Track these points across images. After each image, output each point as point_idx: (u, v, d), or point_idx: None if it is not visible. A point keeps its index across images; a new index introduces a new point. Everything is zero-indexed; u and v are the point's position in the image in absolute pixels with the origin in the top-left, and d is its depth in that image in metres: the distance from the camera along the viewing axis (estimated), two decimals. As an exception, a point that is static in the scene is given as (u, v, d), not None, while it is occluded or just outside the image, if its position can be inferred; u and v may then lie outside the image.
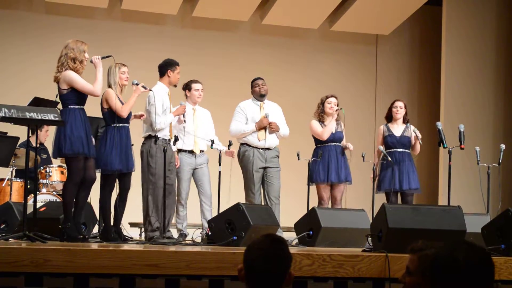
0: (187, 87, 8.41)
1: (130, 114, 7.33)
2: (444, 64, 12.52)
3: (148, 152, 7.46)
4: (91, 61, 6.84)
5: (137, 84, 7.24)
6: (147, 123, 7.56)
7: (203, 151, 8.30)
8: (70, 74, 6.69)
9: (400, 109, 8.69)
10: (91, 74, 6.91)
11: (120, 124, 7.19)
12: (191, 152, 8.18)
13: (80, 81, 6.71)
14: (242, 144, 8.42)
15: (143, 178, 7.46)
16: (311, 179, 8.50)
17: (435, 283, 2.74)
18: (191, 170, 8.17)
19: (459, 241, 2.78)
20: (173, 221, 8.13)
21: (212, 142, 8.10)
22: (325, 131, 8.55)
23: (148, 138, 7.51)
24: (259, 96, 8.47)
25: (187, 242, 7.54)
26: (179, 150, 8.18)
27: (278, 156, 8.46)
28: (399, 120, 8.71)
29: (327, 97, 8.72)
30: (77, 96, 6.73)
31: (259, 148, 8.34)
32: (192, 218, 8.44)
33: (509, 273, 5.48)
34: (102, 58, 6.89)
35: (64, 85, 6.72)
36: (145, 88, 7.25)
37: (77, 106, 6.74)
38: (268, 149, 8.39)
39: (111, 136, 7.15)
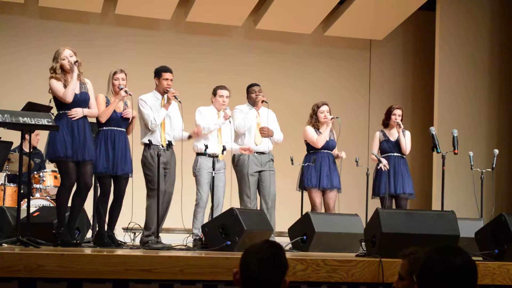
0: (213, 92, 8.31)
1: (122, 118, 7.32)
2: (437, 69, 12.55)
3: (143, 161, 7.57)
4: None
5: (121, 89, 7.23)
6: (141, 130, 7.63)
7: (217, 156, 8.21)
8: (50, 83, 6.77)
9: (398, 117, 8.73)
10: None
11: (107, 128, 7.20)
12: (211, 156, 8.03)
13: (54, 89, 6.74)
14: None
15: (146, 186, 7.56)
16: (302, 184, 8.51)
17: (423, 284, 2.77)
18: (210, 173, 8.03)
19: (450, 246, 2.81)
20: (176, 225, 8.10)
21: (224, 148, 8.11)
22: (320, 139, 8.56)
23: (144, 145, 7.58)
24: (254, 102, 8.47)
25: (181, 247, 7.53)
26: (198, 154, 8.12)
27: (272, 160, 8.46)
28: (396, 127, 8.75)
29: (318, 106, 8.70)
30: (61, 102, 6.75)
31: (254, 152, 8.34)
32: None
33: (503, 278, 5.49)
34: (74, 63, 6.80)
35: (52, 92, 6.83)
36: (126, 92, 7.23)
37: (63, 111, 6.77)
38: (262, 153, 8.39)
39: (98, 139, 7.21)
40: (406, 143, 8.70)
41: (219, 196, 8.04)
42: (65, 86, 6.73)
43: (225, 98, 8.24)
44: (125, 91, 7.20)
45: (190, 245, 7.69)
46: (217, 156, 8.05)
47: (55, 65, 6.79)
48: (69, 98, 6.72)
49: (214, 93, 8.30)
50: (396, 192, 8.55)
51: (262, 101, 8.42)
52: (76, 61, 6.78)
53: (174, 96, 7.60)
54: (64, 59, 6.78)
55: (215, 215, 7.86)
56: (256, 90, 8.50)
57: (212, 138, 8.11)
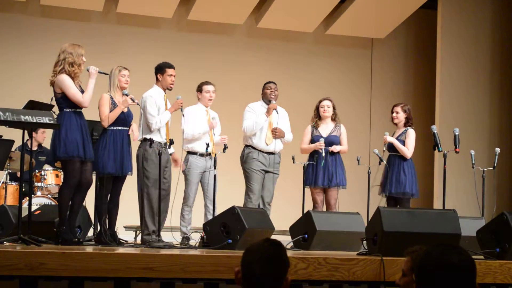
0: (198, 88, 8.33)
1: (129, 119, 7.32)
2: (439, 67, 12.54)
3: (143, 156, 7.46)
4: (88, 70, 6.80)
5: (126, 95, 7.19)
6: (143, 126, 7.56)
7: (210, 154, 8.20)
8: (63, 79, 6.64)
9: (396, 114, 8.65)
10: (96, 77, 6.86)
11: (115, 128, 7.19)
12: (202, 154, 8.09)
13: (71, 89, 6.63)
14: (247, 146, 8.39)
15: (139, 182, 7.47)
16: (304, 183, 8.52)
17: (421, 282, 2.77)
18: (200, 173, 8.09)
19: (448, 244, 2.81)
20: (177, 224, 8.11)
21: (225, 147, 8.11)
22: (304, 149, 8.62)
23: (143, 141, 7.51)
24: (269, 100, 8.44)
25: (182, 245, 7.54)
26: (189, 152, 8.12)
27: (279, 162, 8.44)
28: (400, 124, 8.67)
29: (320, 101, 8.72)
30: (70, 101, 6.70)
31: (263, 152, 8.33)
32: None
33: (504, 277, 5.49)
34: (99, 72, 6.84)
35: (58, 88, 6.67)
36: (133, 100, 7.17)
37: (72, 110, 6.71)
38: (272, 153, 8.38)
39: (105, 140, 7.15)
40: (407, 143, 8.49)
41: (212, 194, 8.05)
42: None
43: (212, 93, 8.26)
44: (132, 99, 7.16)
45: (192, 243, 7.71)
46: (209, 155, 8.05)
47: (78, 60, 6.70)
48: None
49: (200, 90, 8.30)
50: (387, 192, 8.46)
51: (270, 100, 8.42)
52: (106, 74, 6.79)
53: (181, 107, 7.60)
54: (82, 55, 6.75)
55: (209, 213, 7.97)
56: (272, 87, 8.49)
57: (203, 136, 8.11)
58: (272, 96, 8.42)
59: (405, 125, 8.66)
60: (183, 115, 7.72)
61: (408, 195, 8.50)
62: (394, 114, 8.66)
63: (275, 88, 8.49)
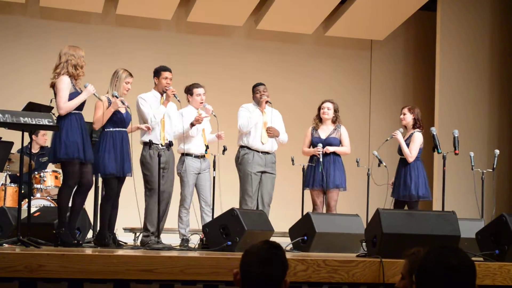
0: (188, 91, 8.29)
1: (127, 120, 7.31)
2: (438, 69, 12.54)
3: (141, 160, 7.54)
4: (85, 86, 6.79)
5: (116, 97, 7.16)
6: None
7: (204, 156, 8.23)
8: (63, 81, 6.66)
9: (403, 115, 8.60)
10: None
11: (114, 129, 7.18)
12: (198, 156, 8.10)
13: (62, 91, 6.64)
14: (242, 147, 8.37)
15: (144, 185, 7.52)
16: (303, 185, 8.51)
17: (421, 284, 2.78)
18: (196, 175, 8.09)
19: (447, 246, 2.81)
20: (176, 226, 8.12)
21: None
22: (304, 152, 8.60)
23: (144, 144, 7.55)
24: (259, 103, 8.43)
25: (181, 247, 7.54)
26: (183, 154, 8.12)
27: (275, 162, 8.43)
28: (408, 126, 8.60)
29: (322, 103, 8.70)
30: (56, 101, 6.71)
31: (259, 152, 8.32)
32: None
33: (503, 278, 5.49)
34: (94, 94, 6.82)
35: None
36: (123, 103, 7.17)
37: (73, 111, 6.71)
38: (267, 153, 8.37)
39: (105, 141, 7.14)
40: (410, 147, 8.41)
41: (207, 195, 8.06)
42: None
43: (203, 96, 8.24)
44: (122, 101, 7.14)
45: (191, 245, 7.71)
46: (203, 156, 8.07)
47: (80, 62, 6.72)
48: (63, 113, 6.68)
49: (190, 93, 8.26)
50: (396, 196, 8.44)
51: (266, 102, 8.41)
52: (101, 99, 6.84)
53: (174, 94, 7.59)
54: (82, 57, 6.75)
55: (206, 215, 7.96)
56: (261, 89, 8.46)
57: (197, 138, 8.11)
58: (263, 99, 8.40)
59: (413, 127, 8.59)
60: (179, 100, 7.71)
61: (415, 198, 8.40)
62: (402, 116, 8.61)
63: (264, 89, 8.46)
